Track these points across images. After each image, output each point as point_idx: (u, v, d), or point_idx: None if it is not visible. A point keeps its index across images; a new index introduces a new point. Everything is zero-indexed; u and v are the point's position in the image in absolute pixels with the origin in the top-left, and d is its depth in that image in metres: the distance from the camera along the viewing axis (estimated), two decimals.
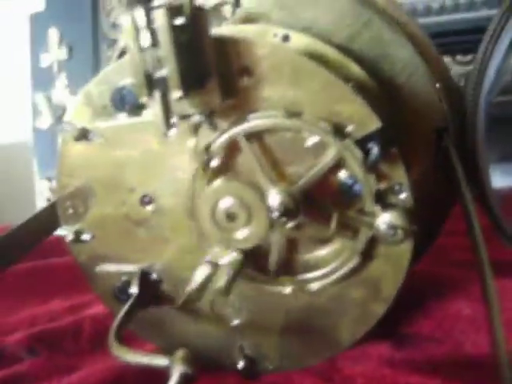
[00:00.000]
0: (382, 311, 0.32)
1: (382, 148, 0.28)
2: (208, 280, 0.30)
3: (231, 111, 0.29)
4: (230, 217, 0.28)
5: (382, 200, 0.30)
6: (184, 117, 0.29)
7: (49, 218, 0.38)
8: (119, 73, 0.30)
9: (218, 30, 0.34)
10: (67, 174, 0.34)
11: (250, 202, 0.27)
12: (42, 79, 1.03)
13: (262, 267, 0.32)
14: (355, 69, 0.34)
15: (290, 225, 0.30)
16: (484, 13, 0.76)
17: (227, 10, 0.76)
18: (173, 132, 0.31)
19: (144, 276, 0.34)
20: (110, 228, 0.34)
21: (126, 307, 0.32)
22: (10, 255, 0.38)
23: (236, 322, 0.34)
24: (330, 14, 0.36)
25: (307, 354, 0.34)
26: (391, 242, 0.29)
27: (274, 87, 0.29)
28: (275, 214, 0.29)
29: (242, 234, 0.28)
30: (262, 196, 0.27)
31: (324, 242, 0.32)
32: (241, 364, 0.35)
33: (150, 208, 0.33)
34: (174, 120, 0.29)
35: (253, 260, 0.32)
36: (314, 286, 0.32)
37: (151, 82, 0.26)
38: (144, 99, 0.27)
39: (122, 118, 0.31)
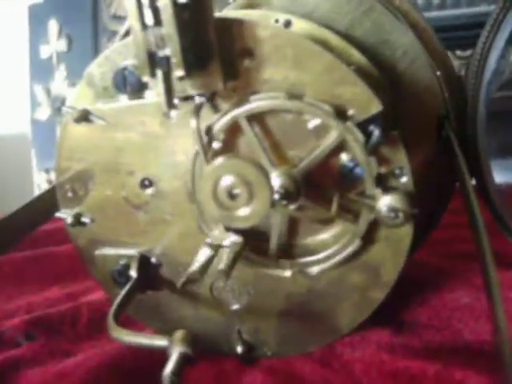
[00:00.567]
0: (382, 296, 0.32)
1: (383, 131, 0.28)
2: (209, 262, 0.30)
3: (233, 93, 0.29)
4: (232, 195, 0.28)
5: (383, 183, 0.29)
6: (185, 98, 0.29)
7: (48, 201, 0.38)
8: (121, 54, 0.30)
9: (220, 13, 0.34)
10: (67, 157, 0.34)
11: (252, 180, 0.27)
12: (41, 71, 1.03)
13: (263, 251, 0.32)
14: (356, 55, 0.34)
15: (291, 207, 0.30)
16: (484, 8, 0.76)
17: None
18: (174, 114, 0.31)
19: (143, 260, 0.34)
20: (109, 211, 0.34)
21: (124, 290, 0.32)
22: (8, 238, 0.38)
23: (235, 306, 0.34)
24: (331, 1, 0.36)
25: (306, 340, 0.34)
26: (392, 224, 0.29)
27: (275, 69, 0.29)
28: (276, 197, 0.29)
29: (243, 212, 0.28)
30: (264, 173, 0.27)
31: (325, 225, 0.32)
32: (239, 349, 0.35)
33: (149, 191, 0.33)
34: (175, 101, 0.28)
35: (253, 243, 0.32)
36: (314, 269, 0.32)
37: (154, 61, 0.26)
38: (146, 78, 0.27)
39: (124, 100, 0.31)
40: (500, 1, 0.38)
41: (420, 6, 0.77)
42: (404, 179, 0.30)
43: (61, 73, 1.00)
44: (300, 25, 0.35)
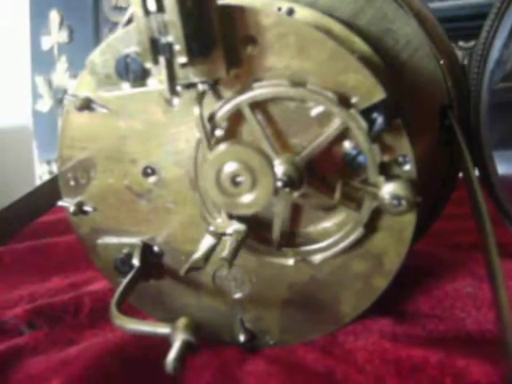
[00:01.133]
0: (385, 285, 0.32)
1: (387, 119, 0.28)
2: (212, 249, 0.30)
3: (236, 80, 0.29)
4: (235, 181, 0.27)
5: (386, 171, 0.29)
6: (188, 86, 0.29)
7: (50, 191, 0.37)
8: (124, 41, 0.30)
9: (223, 0, 0.34)
10: (69, 146, 0.33)
11: (255, 166, 0.27)
12: (42, 62, 1.02)
13: (265, 239, 0.32)
14: (359, 43, 0.34)
15: (294, 195, 0.30)
16: None
17: None
18: (177, 102, 0.31)
19: (146, 248, 0.34)
20: (111, 200, 0.34)
21: (127, 278, 0.32)
22: (10, 227, 0.38)
23: (238, 295, 0.34)
24: None
25: (308, 329, 0.34)
26: (395, 212, 0.29)
27: (278, 57, 0.29)
28: (279, 184, 0.29)
29: (246, 198, 0.28)
30: (267, 160, 0.27)
31: (327, 213, 0.32)
32: (242, 338, 0.35)
33: (152, 179, 0.33)
34: (178, 88, 0.28)
35: (256, 232, 0.32)
36: (317, 257, 0.32)
37: (156, 48, 0.26)
38: (149, 65, 0.27)
39: (126, 88, 0.31)
40: None
41: None
42: (407, 167, 0.30)
43: (62, 64, 1.00)
44: (303, 13, 0.35)
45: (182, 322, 0.26)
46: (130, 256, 0.34)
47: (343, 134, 0.29)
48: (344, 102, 0.29)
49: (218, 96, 0.30)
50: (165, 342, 0.26)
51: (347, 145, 0.30)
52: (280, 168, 0.29)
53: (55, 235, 0.61)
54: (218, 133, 0.30)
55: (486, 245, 0.27)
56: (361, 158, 0.30)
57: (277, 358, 0.34)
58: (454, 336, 0.33)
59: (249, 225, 0.31)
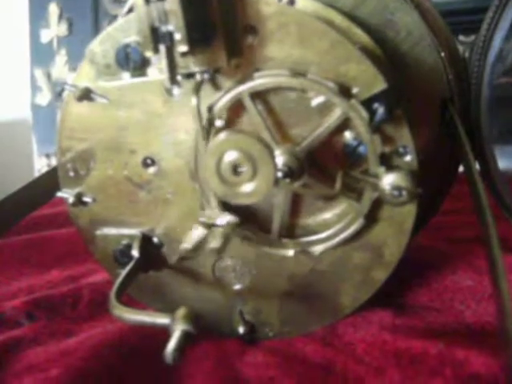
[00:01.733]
0: (385, 276, 0.32)
1: (388, 109, 0.28)
2: (202, 240, 0.30)
3: (236, 70, 0.29)
4: (235, 171, 0.27)
5: (387, 162, 0.29)
6: (188, 76, 0.29)
7: (49, 182, 0.37)
8: (124, 30, 0.30)
9: None
10: (68, 136, 0.33)
11: (256, 155, 0.27)
12: (41, 55, 1.02)
13: (265, 230, 0.32)
14: (361, 35, 0.34)
15: (295, 186, 0.30)
16: None
17: None
18: (177, 92, 0.30)
19: (145, 239, 0.34)
20: (111, 191, 0.34)
21: (127, 269, 0.32)
22: (9, 218, 0.38)
23: (237, 286, 0.34)
24: None
25: (308, 320, 0.34)
26: (396, 203, 0.29)
27: (279, 46, 0.29)
28: (279, 175, 0.28)
29: (247, 188, 0.28)
30: (268, 149, 0.27)
31: (328, 204, 0.32)
32: (241, 329, 0.35)
33: (151, 170, 0.33)
34: (178, 78, 0.28)
35: (256, 223, 0.32)
36: (317, 249, 0.32)
37: (157, 36, 0.26)
38: (149, 54, 0.27)
39: (126, 78, 0.31)
40: None
41: None
42: (408, 158, 0.30)
43: (61, 57, 1.00)
44: (304, 3, 0.34)
45: (181, 312, 0.26)
46: (129, 247, 0.34)
47: (344, 124, 0.29)
48: (345, 92, 0.29)
49: (217, 86, 0.29)
50: (164, 333, 0.26)
51: (348, 135, 0.30)
52: (280, 158, 0.29)
53: (54, 228, 0.61)
54: (218, 123, 0.30)
55: (487, 236, 0.27)
56: (361, 149, 0.30)
57: (276, 350, 0.34)
58: (454, 328, 0.33)
59: (248, 216, 0.31)
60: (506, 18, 0.38)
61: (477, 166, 0.39)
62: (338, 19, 0.34)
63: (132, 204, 0.34)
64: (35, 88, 1.01)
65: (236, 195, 0.28)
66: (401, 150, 0.29)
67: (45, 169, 1.00)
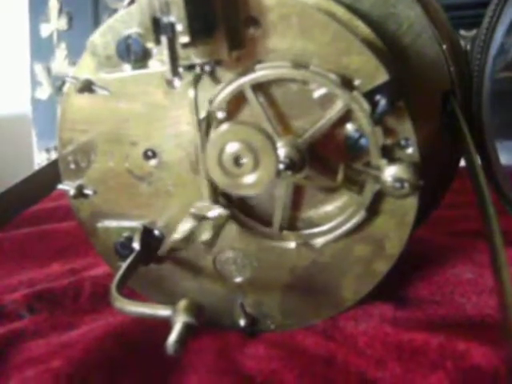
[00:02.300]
0: (386, 269, 0.32)
1: (390, 101, 0.28)
2: (192, 232, 0.30)
3: (238, 62, 0.29)
4: (237, 162, 0.27)
5: (389, 154, 0.29)
6: (190, 67, 0.29)
7: (50, 174, 0.37)
8: (125, 22, 0.30)
9: None
10: (69, 129, 0.33)
11: (257, 146, 0.27)
12: (41, 49, 1.02)
13: (267, 222, 0.32)
14: (362, 27, 0.34)
15: (296, 178, 0.30)
16: None
17: None
18: (178, 83, 0.30)
19: (146, 232, 0.34)
20: (112, 183, 0.34)
21: (127, 262, 0.32)
22: (10, 210, 0.38)
23: (238, 279, 0.34)
24: None
25: (309, 313, 0.34)
26: (398, 195, 0.29)
27: (281, 38, 0.29)
28: (281, 167, 0.28)
29: (249, 179, 0.28)
30: (269, 140, 0.27)
31: (329, 196, 0.32)
32: (242, 322, 0.35)
33: (153, 162, 0.33)
34: (180, 69, 0.28)
35: (257, 215, 0.32)
36: (319, 241, 0.32)
37: (158, 27, 0.26)
38: (150, 45, 0.26)
39: (127, 70, 0.31)
40: None
41: None
42: (410, 150, 0.29)
43: (61, 51, 1.00)
44: None
45: (182, 304, 0.26)
46: (130, 240, 0.34)
47: (346, 116, 0.29)
48: (347, 84, 0.28)
49: (218, 78, 0.29)
50: (165, 325, 0.26)
51: (350, 127, 0.30)
52: (282, 150, 0.29)
53: (55, 222, 0.61)
54: (220, 115, 0.30)
55: (489, 229, 0.27)
56: (363, 141, 0.30)
57: (277, 342, 0.34)
58: (455, 321, 0.33)
59: (250, 208, 0.31)
60: (508, 12, 0.38)
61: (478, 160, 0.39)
62: (340, 11, 0.34)
63: (133, 196, 0.34)
64: (35, 82, 1.01)
65: (238, 186, 0.28)
66: (403, 142, 0.29)
67: (45, 163, 1.00)
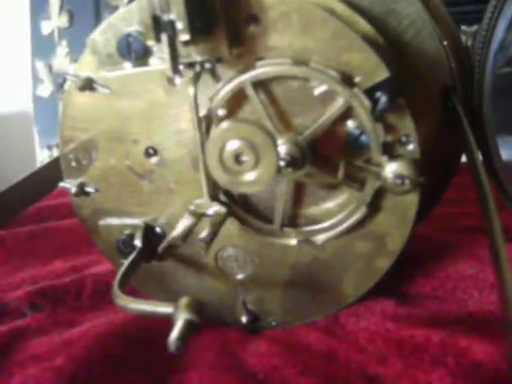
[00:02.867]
0: (387, 265, 0.32)
1: (390, 98, 0.28)
2: (190, 229, 0.30)
3: (238, 59, 0.29)
4: (238, 159, 0.27)
5: (389, 151, 0.29)
6: (190, 65, 0.29)
7: (51, 172, 0.37)
8: (125, 20, 0.30)
9: None
10: (70, 126, 0.33)
11: (258, 144, 0.27)
12: (42, 47, 1.02)
13: (268, 219, 0.32)
14: (363, 24, 0.34)
15: (297, 175, 0.30)
16: None
17: None
18: (179, 81, 0.30)
19: (148, 229, 0.34)
20: (113, 181, 0.34)
21: (129, 259, 0.32)
22: (12, 208, 0.38)
23: (240, 276, 0.34)
24: None
25: (311, 310, 0.34)
26: (398, 192, 0.29)
27: (281, 35, 0.29)
28: (282, 164, 0.28)
29: (249, 177, 0.28)
30: (270, 137, 0.27)
31: (330, 193, 0.32)
32: (244, 319, 0.35)
33: (154, 160, 0.33)
34: (180, 67, 0.28)
35: (259, 212, 0.32)
36: (320, 238, 0.32)
37: (159, 25, 0.26)
38: (151, 43, 0.27)
39: (128, 68, 0.31)
40: None
41: None
42: (411, 147, 0.30)
43: (62, 49, 1.00)
44: None
45: (184, 301, 0.26)
46: (132, 237, 0.34)
47: (346, 113, 0.29)
48: (347, 80, 0.28)
49: (218, 76, 0.29)
50: (167, 323, 0.26)
51: (350, 124, 0.30)
52: (283, 147, 0.29)
53: (57, 219, 0.61)
54: (221, 112, 0.30)
55: (491, 226, 0.27)
56: (364, 138, 0.30)
57: (279, 339, 0.34)
58: (456, 317, 0.33)
59: (251, 205, 0.31)
60: (510, 7, 0.38)
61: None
62: (340, 8, 0.34)
63: (134, 194, 0.34)
64: (36, 80, 1.01)
65: (239, 184, 0.28)
66: (403, 138, 0.29)
67: (47, 160, 1.00)
